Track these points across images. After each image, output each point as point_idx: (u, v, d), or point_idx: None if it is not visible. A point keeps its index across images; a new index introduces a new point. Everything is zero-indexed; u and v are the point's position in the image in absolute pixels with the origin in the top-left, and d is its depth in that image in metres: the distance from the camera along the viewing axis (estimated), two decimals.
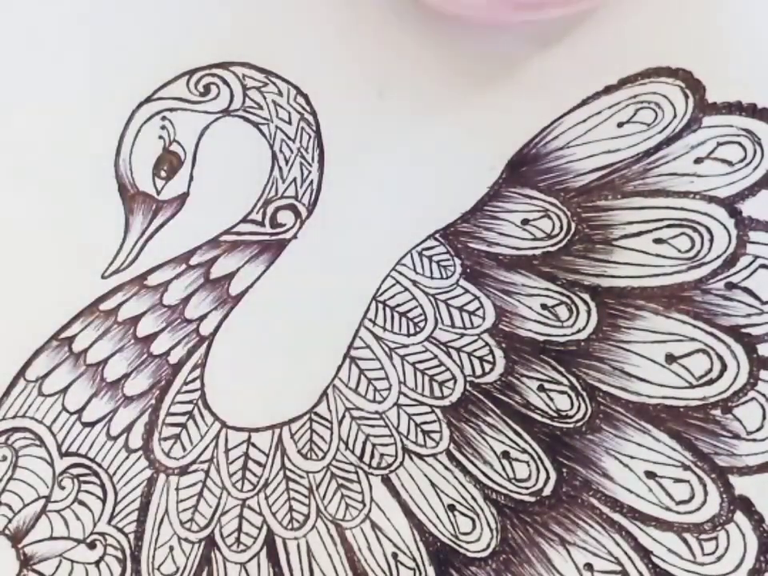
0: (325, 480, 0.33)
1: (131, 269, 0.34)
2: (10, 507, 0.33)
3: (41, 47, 0.36)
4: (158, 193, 0.35)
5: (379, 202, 0.34)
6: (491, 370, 0.33)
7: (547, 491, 0.32)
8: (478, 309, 0.34)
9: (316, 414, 0.33)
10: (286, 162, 0.35)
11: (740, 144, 0.33)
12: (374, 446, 0.33)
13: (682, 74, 0.34)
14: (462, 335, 0.33)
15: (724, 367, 0.32)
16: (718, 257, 0.33)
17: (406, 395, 0.33)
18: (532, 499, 0.32)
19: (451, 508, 0.32)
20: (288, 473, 0.33)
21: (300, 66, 0.35)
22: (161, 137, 0.35)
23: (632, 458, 0.32)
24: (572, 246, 0.34)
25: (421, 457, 0.33)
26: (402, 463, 0.33)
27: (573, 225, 0.34)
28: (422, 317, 0.34)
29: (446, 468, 0.33)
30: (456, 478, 0.33)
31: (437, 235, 0.34)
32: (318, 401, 0.33)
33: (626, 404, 0.32)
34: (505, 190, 0.34)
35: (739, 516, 0.31)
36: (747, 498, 0.31)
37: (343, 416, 0.33)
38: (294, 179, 0.35)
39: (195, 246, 0.34)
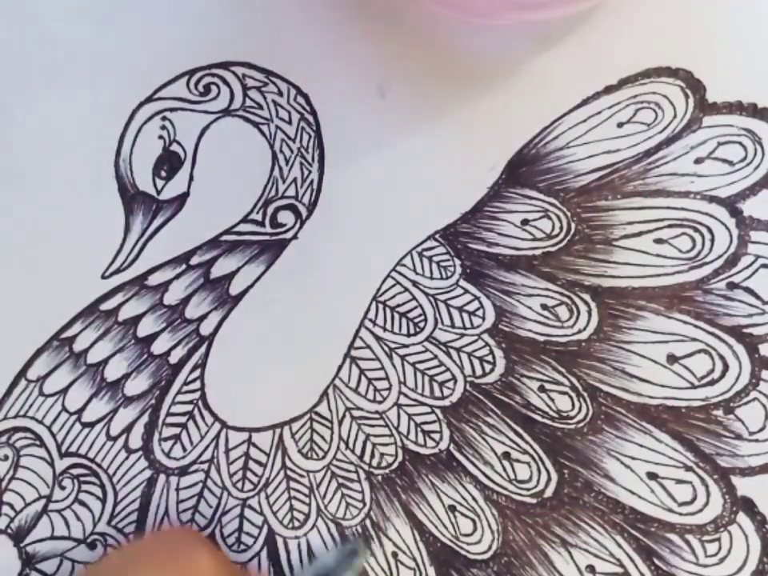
0: (325, 479, 0.32)
1: (131, 269, 0.33)
2: (11, 506, 0.32)
3: (40, 47, 0.35)
4: (158, 193, 0.33)
5: (379, 203, 0.33)
6: (491, 370, 0.32)
7: (548, 493, 0.31)
8: (477, 309, 0.32)
9: (316, 413, 0.32)
10: (286, 161, 0.33)
11: (741, 144, 0.32)
12: (374, 445, 0.32)
13: (682, 74, 0.33)
14: (462, 335, 0.32)
15: (726, 367, 0.31)
16: (719, 257, 0.32)
17: (406, 395, 0.32)
18: (533, 500, 0.31)
19: (452, 509, 0.32)
20: (289, 472, 0.32)
21: (300, 66, 0.34)
22: (161, 137, 0.34)
23: (633, 459, 0.31)
24: (572, 247, 0.32)
25: (421, 457, 0.32)
26: (402, 463, 0.32)
27: (573, 225, 0.33)
28: (422, 317, 0.33)
29: (447, 468, 0.32)
30: (456, 478, 0.32)
31: (437, 236, 0.33)
32: (319, 400, 0.32)
33: (628, 405, 0.31)
34: (505, 190, 0.33)
35: (742, 517, 0.30)
36: (750, 499, 0.30)
37: (343, 416, 0.32)
38: (295, 179, 0.33)
39: (195, 246, 0.33)
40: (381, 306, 0.33)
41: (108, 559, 0.31)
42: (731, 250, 0.31)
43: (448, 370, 0.32)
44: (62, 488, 0.32)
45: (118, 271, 0.33)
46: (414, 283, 0.33)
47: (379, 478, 0.32)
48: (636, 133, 0.32)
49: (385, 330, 0.32)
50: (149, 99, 0.34)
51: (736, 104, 0.32)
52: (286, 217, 0.33)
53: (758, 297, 0.31)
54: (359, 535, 0.31)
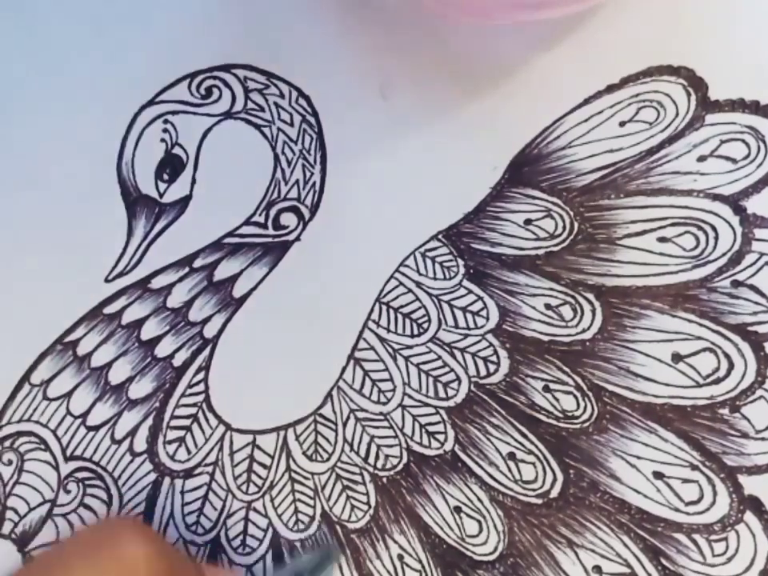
0: (330, 481, 0.32)
1: (135, 272, 0.33)
2: (16, 511, 0.32)
3: (42, 51, 0.34)
4: (161, 196, 0.33)
5: (382, 204, 0.33)
6: (496, 370, 0.32)
7: (554, 493, 0.31)
8: (481, 309, 0.32)
9: (321, 415, 0.32)
10: (289, 163, 0.33)
11: (743, 141, 0.32)
12: (378, 447, 0.32)
13: (684, 72, 0.32)
14: (466, 336, 0.32)
15: (731, 366, 0.30)
16: (724, 255, 0.31)
17: (410, 396, 0.32)
18: (539, 501, 0.31)
19: (457, 510, 0.31)
20: (293, 474, 0.32)
21: (302, 68, 0.33)
22: (163, 140, 0.33)
23: (639, 458, 0.30)
24: (575, 246, 0.32)
25: (426, 458, 0.31)
26: (406, 464, 0.31)
27: (576, 224, 0.32)
28: (426, 318, 0.32)
29: (452, 469, 0.31)
30: (461, 479, 0.31)
31: (440, 236, 0.33)
32: (323, 402, 0.32)
33: (633, 404, 0.31)
34: (507, 190, 0.33)
35: (749, 516, 0.30)
36: (757, 498, 0.30)
37: (348, 417, 0.32)
38: (297, 181, 0.33)
39: (198, 248, 0.33)
40: (384, 307, 0.32)
41: (46, 553, 0.30)
42: (735, 248, 0.31)
43: (452, 370, 0.32)
44: (67, 492, 0.32)
45: (121, 274, 0.33)
46: (418, 284, 0.32)
47: (384, 479, 0.31)
48: (638, 131, 0.32)
49: (388, 331, 0.32)
50: (150, 102, 0.33)
51: (738, 101, 0.32)
52: (288, 219, 0.33)
53: (762, 294, 0.31)
54: (333, 541, 0.31)
